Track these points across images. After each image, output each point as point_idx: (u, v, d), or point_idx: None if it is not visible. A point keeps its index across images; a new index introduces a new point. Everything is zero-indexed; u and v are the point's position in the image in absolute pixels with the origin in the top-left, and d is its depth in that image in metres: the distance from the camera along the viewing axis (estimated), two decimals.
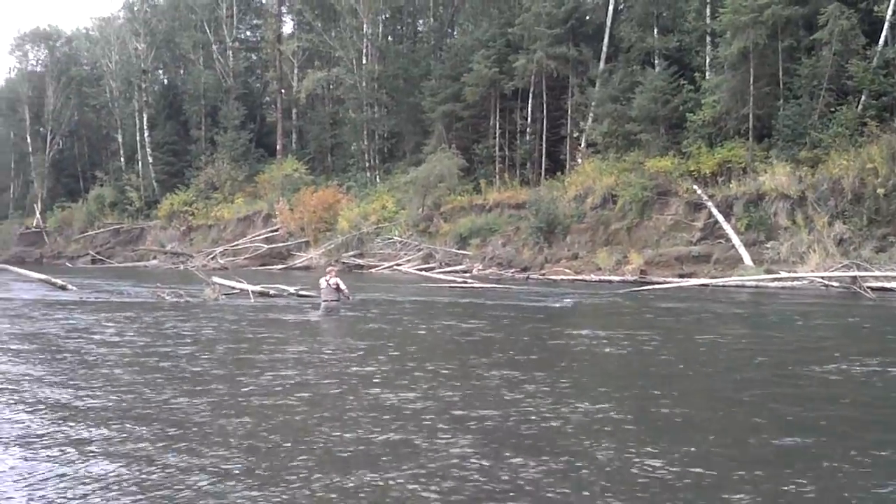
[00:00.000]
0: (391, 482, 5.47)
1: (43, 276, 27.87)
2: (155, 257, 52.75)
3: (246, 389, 8.84)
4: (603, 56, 38.48)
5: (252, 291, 21.66)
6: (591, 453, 6.18)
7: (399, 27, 57.89)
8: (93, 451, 6.24)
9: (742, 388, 8.95)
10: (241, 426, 7.14)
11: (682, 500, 5.09)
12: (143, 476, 5.63)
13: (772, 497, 5.12)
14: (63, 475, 5.65)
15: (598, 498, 5.17)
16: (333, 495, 5.23)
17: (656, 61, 35.71)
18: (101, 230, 59.97)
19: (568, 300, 20.94)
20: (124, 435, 6.82)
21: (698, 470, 5.70)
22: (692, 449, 6.26)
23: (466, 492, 5.30)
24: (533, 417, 7.36)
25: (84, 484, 5.45)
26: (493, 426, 7.06)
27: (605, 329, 14.63)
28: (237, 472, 5.74)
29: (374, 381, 9.38)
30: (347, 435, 6.76)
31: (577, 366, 10.93)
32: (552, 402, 8.02)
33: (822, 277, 23.41)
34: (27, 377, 9.68)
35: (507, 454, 6.12)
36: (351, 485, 5.44)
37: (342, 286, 17.13)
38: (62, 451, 6.29)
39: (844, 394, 8.54)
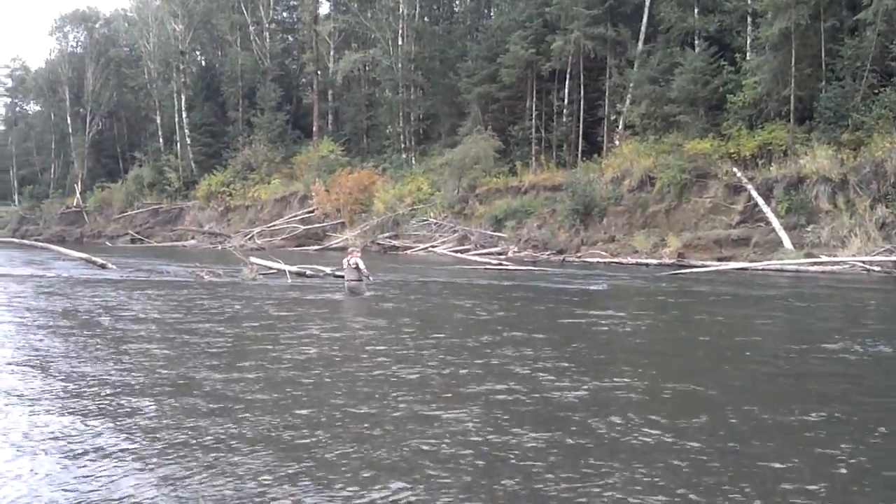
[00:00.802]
0: (403, 450, 5.71)
1: (84, 255, 28.25)
2: (193, 237, 53.37)
3: (273, 364, 9.01)
4: (641, 36, 38.05)
5: (289, 272, 21.83)
6: (595, 426, 6.31)
7: (435, 8, 57.65)
8: (121, 424, 6.36)
9: (760, 372, 8.89)
10: (268, 399, 7.30)
11: (682, 473, 5.08)
12: (175, 444, 5.75)
13: (759, 475, 5.07)
14: (97, 445, 5.75)
15: (594, 468, 5.30)
16: (353, 462, 5.41)
17: (696, 42, 35.20)
18: (141, 210, 60.75)
19: (602, 283, 20.82)
20: (155, 407, 7.00)
21: (697, 444, 5.80)
22: (695, 422, 6.33)
23: (472, 460, 5.52)
24: (544, 394, 7.51)
25: (110, 455, 5.56)
26: (501, 399, 7.26)
27: (634, 311, 14.59)
28: (267, 440, 5.87)
29: (391, 357, 9.56)
30: (362, 408, 6.97)
31: (596, 346, 10.92)
32: (566, 379, 8.16)
33: (864, 262, 23.08)
34: (70, 352, 9.88)
35: (513, 425, 6.34)
36: (367, 451, 5.68)
37: (361, 266, 17.18)
38: (98, 420, 6.40)
39: (861, 374, 8.48)
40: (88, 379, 8.16)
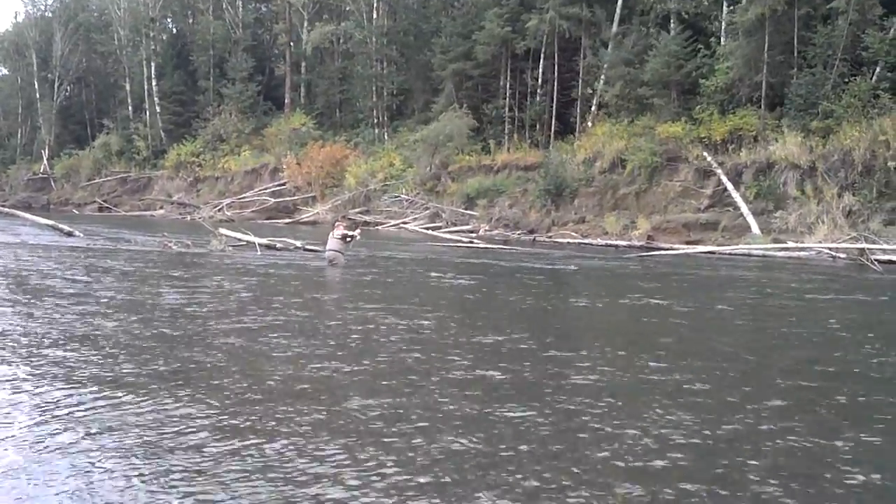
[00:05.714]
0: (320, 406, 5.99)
1: (50, 222, 27.97)
2: (162, 207, 52.91)
3: (224, 327, 9.32)
4: (616, 17, 38.02)
5: (258, 244, 21.73)
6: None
7: None
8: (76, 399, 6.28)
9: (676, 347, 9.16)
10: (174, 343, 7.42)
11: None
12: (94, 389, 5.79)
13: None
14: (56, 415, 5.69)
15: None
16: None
17: (672, 24, 35.29)
18: (109, 178, 59.99)
19: (570, 264, 20.96)
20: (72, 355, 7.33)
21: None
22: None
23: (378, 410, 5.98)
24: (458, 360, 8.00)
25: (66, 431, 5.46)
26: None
27: (594, 291, 14.88)
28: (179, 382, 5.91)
29: (329, 322, 10.17)
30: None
31: (541, 322, 11.24)
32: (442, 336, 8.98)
33: (830, 249, 23.41)
34: (14, 314, 9.88)
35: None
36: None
37: (349, 235, 17.56)
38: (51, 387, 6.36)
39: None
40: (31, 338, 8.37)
